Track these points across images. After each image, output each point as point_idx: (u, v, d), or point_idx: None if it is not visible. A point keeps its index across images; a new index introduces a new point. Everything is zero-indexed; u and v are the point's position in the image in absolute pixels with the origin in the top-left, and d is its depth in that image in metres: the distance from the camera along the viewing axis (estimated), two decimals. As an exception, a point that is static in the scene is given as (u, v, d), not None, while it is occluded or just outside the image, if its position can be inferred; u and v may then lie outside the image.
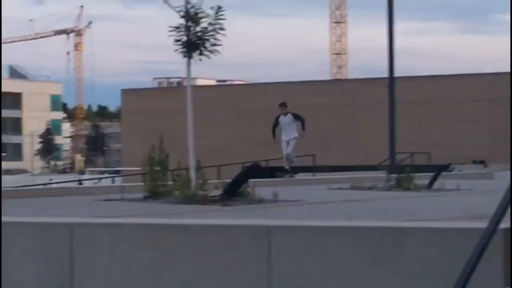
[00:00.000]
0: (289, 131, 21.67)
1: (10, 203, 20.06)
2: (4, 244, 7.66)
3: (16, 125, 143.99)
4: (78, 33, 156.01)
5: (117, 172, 72.00)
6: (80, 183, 46.15)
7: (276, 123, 22.01)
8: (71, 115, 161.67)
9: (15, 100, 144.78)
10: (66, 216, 9.12)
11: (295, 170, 22.00)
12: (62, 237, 7.51)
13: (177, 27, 17.55)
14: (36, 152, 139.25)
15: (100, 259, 7.34)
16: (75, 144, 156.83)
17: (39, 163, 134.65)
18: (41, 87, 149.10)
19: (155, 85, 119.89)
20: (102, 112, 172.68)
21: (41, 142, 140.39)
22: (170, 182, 18.32)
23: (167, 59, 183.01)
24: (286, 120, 21.82)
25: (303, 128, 23.55)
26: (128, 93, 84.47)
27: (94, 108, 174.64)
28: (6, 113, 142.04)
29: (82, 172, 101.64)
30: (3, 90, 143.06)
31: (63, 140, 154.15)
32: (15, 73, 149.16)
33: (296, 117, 23.61)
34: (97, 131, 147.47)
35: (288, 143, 21.83)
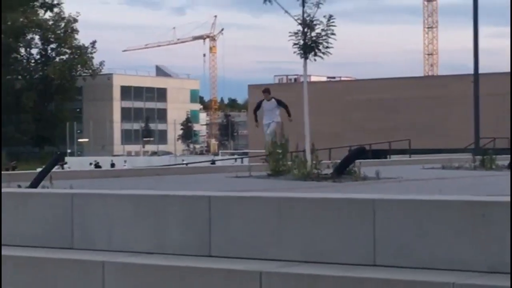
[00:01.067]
0: (270, 115, 20.12)
1: (158, 179, 20.45)
2: (158, 212, 7.81)
3: (162, 115, 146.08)
4: (213, 38, 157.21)
5: (245, 153, 72.27)
6: (213, 163, 46.33)
7: (257, 107, 20.51)
8: (206, 106, 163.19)
9: (161, 94, 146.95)
10: (204, 190, 9.16)
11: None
12: (202, 208, 7.58)
13: (295, 33, 17.64)
14: (178, 137, 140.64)
15: (234, 226, 7.39)
16: (210, 131, 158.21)
17: (180, 146, 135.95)
18: (182, 83, 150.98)
19: (276, 81, 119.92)
20: (232, 104, 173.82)
21: (182, 129, 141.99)
22: (289, 162, 18.58)
23: (287, 60, 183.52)
24: (268, 105, 20.17)
25: (289, 115, 21.64)
26: (254, 88, 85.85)
27: (226, 101, 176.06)
28: (153, 105, 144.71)
29: (215, 154, 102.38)
30: (152, 86, 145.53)
31: (200, 127, 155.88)
32: (161, 72, 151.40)
33: (279, 103, 21.59)
34: (228, 119, 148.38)
35: (269, 126, 20.26)
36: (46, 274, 7.78)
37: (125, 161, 76.90)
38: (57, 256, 7.93)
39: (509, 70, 39.39)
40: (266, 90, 19.52)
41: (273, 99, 19.37)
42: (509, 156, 23.09)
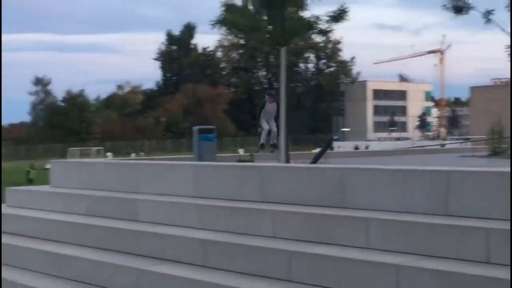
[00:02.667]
0: (270, 116, 17.42)
1: (402, 158, 20.36)
2: (407, 182, 7.76)
3: (403, 110, 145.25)
4: (441, 52, 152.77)
5: (467, 139, 69.94)
6: (443, 146, 45.08)
7: (262, 107, 17.91)
8: (437, 103, 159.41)
9: (403, 95, 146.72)
10: (440, 166, 8.93)
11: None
12: (442, 179, 7.46)
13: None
14: (415, 126, 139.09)
15: (466, 193, 7.20)
16: (440, 122, 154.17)
17: (417, 133, 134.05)
18: (418, 86, 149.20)
19: (492, 83, 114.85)
20: (457, 101, 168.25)
21: (418, 121, 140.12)
22: (504, 145, 18.28)
23: (501, 67, 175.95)
24: (270, 107, 17.53)
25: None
26: (475, 89, 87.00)
27: (452, 99, 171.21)
28: (397, 103, 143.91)
29: (444, 139, 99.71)
30: (396, 89, 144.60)
31: (432, 119, 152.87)
32: (402, 78, 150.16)
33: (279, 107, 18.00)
34: (453, 113, 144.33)
35: (267, 123, 17.43)
36: (323, 226, 7.90)
37: (366, 146, 76.79)
38: (333, 212, 8.02)
39: None
40: (270, 94, 17.43)
41: (275, 103, 17.22)
42: None
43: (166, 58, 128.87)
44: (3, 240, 11.09)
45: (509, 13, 20.62)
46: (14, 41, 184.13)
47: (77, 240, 10.28)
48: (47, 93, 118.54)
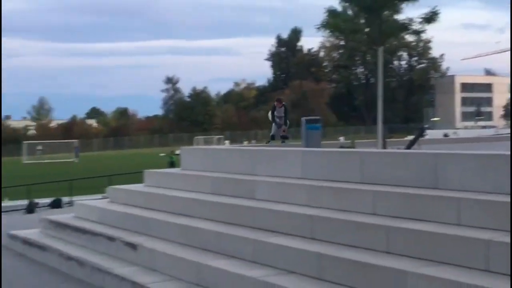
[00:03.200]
0: (279, 118, 17.09)
1: (489, 144, 19.58)
2: (497, 166, 7.47)
3: (489, 101, 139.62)
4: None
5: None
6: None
7: (273, 110, 17.24)
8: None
9: (489, 87, 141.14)
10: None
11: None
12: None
13: None
14: (500, 116, 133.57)
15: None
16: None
17: (502, 122, 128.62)
18: (503, 79, 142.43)
19: None
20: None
21: (503, 110, 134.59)
22: None
23: None
24: (278, 112, 17.11)
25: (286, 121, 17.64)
26: None
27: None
28: (483, 94, 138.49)
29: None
30: (482, 82, 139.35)
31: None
32: (488, 72, 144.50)
33: (286, 110, 17.65)
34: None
35: (277, 124, 16.96)
36: (418, 205, 7.75)
37: (454, 132, 74.54)
38: (427, 193, 7.85)
39: None
40: (278, 100, 17.17)
41: (283, 107, 17.11)
42: None
43: (276, 59, 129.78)
44: (145, 214, 11.50)
45: None
46: (150, 47, 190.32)
47: (203, 214, 10.51)
48: (176, 90, 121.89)
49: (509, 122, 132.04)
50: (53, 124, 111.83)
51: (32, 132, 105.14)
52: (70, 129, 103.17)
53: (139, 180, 14.59)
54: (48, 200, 22.96)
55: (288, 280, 7.59)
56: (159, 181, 13.13)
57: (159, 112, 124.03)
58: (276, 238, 8.58)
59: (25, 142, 76.52)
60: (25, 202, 22.76)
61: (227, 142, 75.71)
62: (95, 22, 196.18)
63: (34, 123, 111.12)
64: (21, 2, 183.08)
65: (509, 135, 29.37)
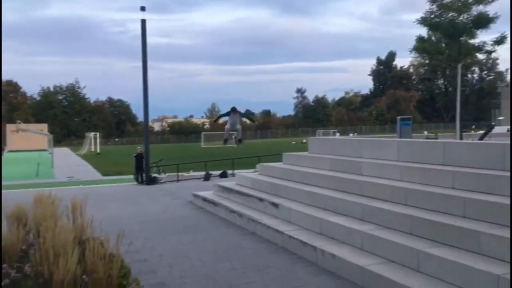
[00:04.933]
0: (234, 123, 13.22)
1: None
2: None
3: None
4: None
5: None
6: None
7: (223, 116, 13.60)
8: None
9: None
10: None
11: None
12: None
13: None
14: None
15: None
16: None
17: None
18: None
19: None
20: None
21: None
22: None
23: None
24: (233, 118, 13.46)
25: (253, 121, 13.29)
26: None
27: None
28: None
29: None
30: None
31: None
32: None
33: (242, 114, 14.48)
34: None
35: (231, 126, 13.19)
36: (489, 182, 7.15)
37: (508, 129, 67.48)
38: (496, 173, 7.23)
39: None
40: (233, 109, 13.49)
41: (237, 114, 13.57)
42: None
43: (376, 74, 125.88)
44: (283, 183, 11.59)
45: None
46: (286, 67, 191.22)
47: (324, 184, 10.42)
48: (304, 97, 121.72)
49: None
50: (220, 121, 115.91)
51: (206, 126, 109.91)
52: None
53: (278, 160, 14.75)
54: (218, 172, 23.78)
55: (387, 233, 7.35)
56: (293, 160, 13.18)
57: (292, 112, 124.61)
58: (377, 202, 8.33)
59: (203, 133, 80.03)
60: (202, 173, 23.76)
61: (338, 134, 74.77)
62: (248, 51, 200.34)
63: (208, 120, 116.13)
64: (201, 39, 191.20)
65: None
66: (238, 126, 13.75)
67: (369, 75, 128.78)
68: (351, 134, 69.42)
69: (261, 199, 11.27)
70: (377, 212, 8.01)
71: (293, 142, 65.65)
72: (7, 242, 6.42)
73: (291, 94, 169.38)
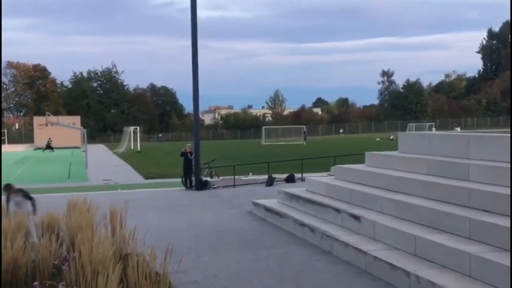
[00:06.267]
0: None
1: None
2: None
3: None
4: None
5: None
6: None
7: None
8: None
9: None
10: None
11: None
12: None
13: None
14: None
15: None
16: None
17: None
18: None
19: None
20: None
21: None
22: None
23: None
24: (15, 197, 10.36)
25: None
26: None
27: None
28: None
29: None
30: None
31: None
32: None
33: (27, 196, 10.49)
34: None
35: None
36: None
37: None
38: None
39: None
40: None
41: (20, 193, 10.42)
42: None
43: (487, 51, 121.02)
44: (366, 190, 11.48)
45: None
46: (367, 44, 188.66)
47: (418, 192, 10.22)
48: (391, 82, 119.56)
49: None
50: (286, 112, 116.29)
51: (268, 119, 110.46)
52: (299, 116, 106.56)
53: (357, 161, 14.59)
54: (283, 176, 23.87)
55: (504, 256, 7.04)
56: (378, 162, 13.01)
57: (375, 101, 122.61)
58: (490, 217, 8.04)
59: (264, 127, 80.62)
60: (264, 176, 23.94)
61: (434, 129, 72.61)
62: (320, 24, 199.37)
63: (270, 112, 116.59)
64: (262, 10, 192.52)
65: None
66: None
67: (478, 52, 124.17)
68: (455, 129, 67.31)
69: (338, 210, 11.23)
70: (490, 229, 7.72)
71: (378, 139, 64.57)
72: (37, 255, 6.79)
73: (375, 78, 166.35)
